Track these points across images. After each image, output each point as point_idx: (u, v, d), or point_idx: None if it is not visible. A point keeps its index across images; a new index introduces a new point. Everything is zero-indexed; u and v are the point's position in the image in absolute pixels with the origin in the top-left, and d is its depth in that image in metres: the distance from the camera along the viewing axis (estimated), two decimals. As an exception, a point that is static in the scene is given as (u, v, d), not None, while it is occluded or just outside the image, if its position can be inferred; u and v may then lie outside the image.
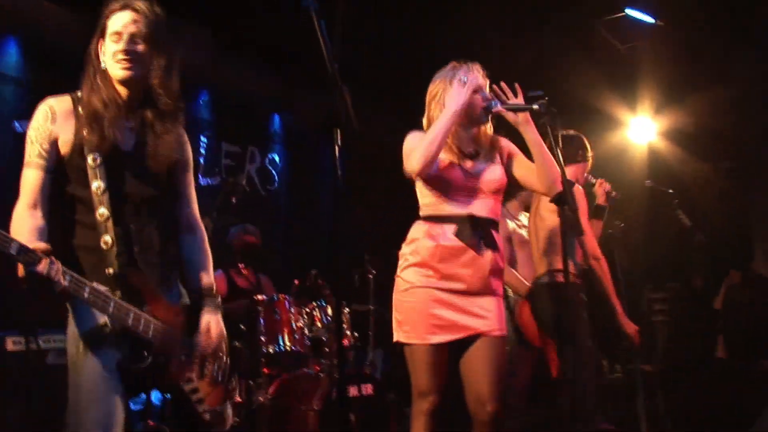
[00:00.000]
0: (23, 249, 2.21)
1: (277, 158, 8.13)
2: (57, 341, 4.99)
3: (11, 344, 4.83)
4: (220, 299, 2.83)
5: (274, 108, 8.09)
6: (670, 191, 6.13)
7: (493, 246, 3.18)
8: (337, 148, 2.12)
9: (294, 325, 5.10)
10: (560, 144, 3.19)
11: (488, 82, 3.30)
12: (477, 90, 3.22)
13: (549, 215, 4.60)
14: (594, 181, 5.30)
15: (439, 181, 3.19)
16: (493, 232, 3.20)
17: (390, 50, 6.88)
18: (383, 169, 3.34)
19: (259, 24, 6.60)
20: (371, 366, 5.70)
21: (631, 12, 6.81)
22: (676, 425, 6.07)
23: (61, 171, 2.54)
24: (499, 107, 3.22)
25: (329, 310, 5.24)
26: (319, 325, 5.22)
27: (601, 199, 5.25)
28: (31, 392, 4.70)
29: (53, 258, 2.26)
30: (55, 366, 4.93)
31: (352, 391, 4.96)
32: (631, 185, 8.15)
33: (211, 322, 2.73)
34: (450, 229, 3.13)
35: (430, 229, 3.18)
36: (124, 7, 2.58)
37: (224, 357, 2.81)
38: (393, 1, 6.27)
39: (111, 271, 2.50)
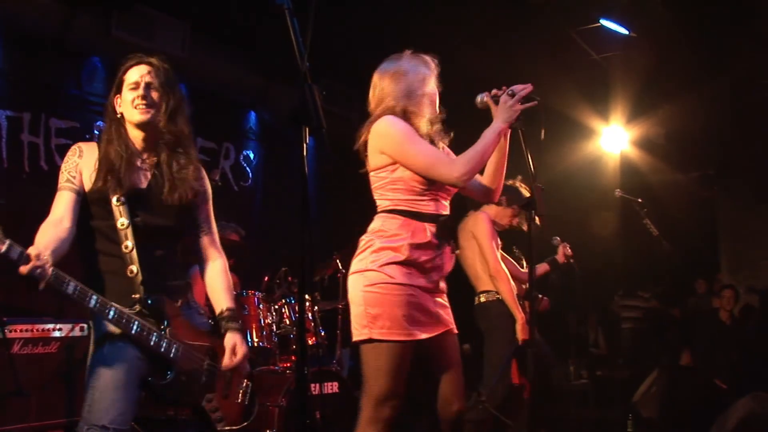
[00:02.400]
0: (21, 253, 2.42)
1: (251, 155, 8.13)
2: (23, 331, 5.00)
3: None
4: (241, 321, 3.07)
5: (250, 104, 8.08)
6: (639, 200, 6.22)
7: (455, 247, 3.24)
8: (304, 146, 2.15)
9: (262, 322, 5.12)
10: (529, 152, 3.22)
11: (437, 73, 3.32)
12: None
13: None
14: (558, 242, 5.69)
15: (420, 178, 3.11)
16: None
17: (365, 47, 6.90)
18: (355, 166, 3.33)
19: (237, 19, 6.60)
20: (338, 364, 5.72)
21: (606, 23, 6.89)
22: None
23: (87, 206, 2.83)
24: (484, 99, 3.24)
25: (298, 308, 5.26)
26: (287, 322, 5.25)
27: (560, 258, 5.65)
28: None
29: (42, 261, 2.45)
30: (19, 355, 4.94)
31: (318, 388, 4.97)
32: (604, 193, 8.27)
33: (237, 342, 2.97)
34: (430, 228, 3.11)
35: (410, 226, 3.09)
36: (138, 62, 2.92)
37: (247, 377, 3.07)
38: (370, 6, 6.30)
39: (137, 296, 2.77)
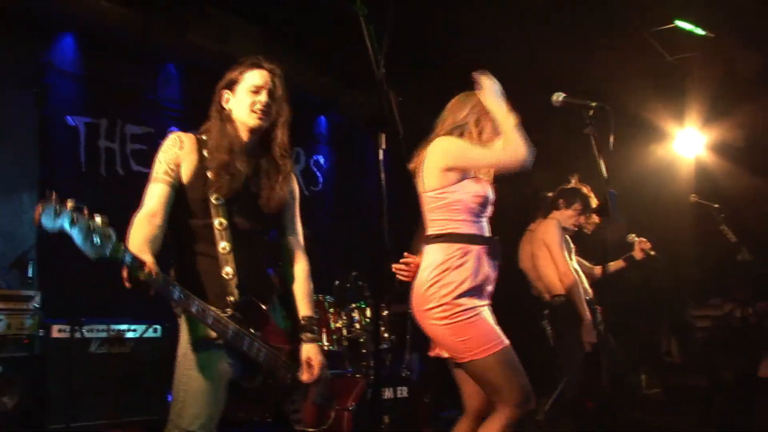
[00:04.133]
0: (133, 258, 2.37)
1: (321, 160, 8.18)
2: (100, 331, 5.14)
3: (57, 332, 4.98)
4: (316, 329, 3.06)
5: (320, 109, 8.14)
6: (716, 206, 6.07)
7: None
8: (381, 151, 2.16)
9: (332, 326, 5.15)
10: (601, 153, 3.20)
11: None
12: None
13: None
14: (633, 239, 5.58)
15: (479, 199, 3.22)
16: None
17: (440, 55, 6.89)
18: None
19: (308, 23, 6.66)
20: (407, 368, 5.71)
21: (681, 23, 6.74)
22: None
23: (183, 201, 2.79)
24: (560, 98, 3.32)
25: (368, 312, 5.28)
26: (357, 326, 5.26)
27: (637, 254, 5.54)
28: (73, 378, 4.83)
29: (155, 267, 2.43)
30: (96, 354, 5.09)
31: (387, 393, 4.98)
32: (678, 199, 8.07)
33: (311, 354, 2.96)
34: (487, 249, 3.19)
35: (471, 252, 3.16)
36: (259, 65, 2.95)
37: (327, 384, 3.07)
38: (447, 11, 6.29)
39: (232, 299, 2.76)
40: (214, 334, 2.67)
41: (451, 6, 6.30)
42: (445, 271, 3.14)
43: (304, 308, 3.03)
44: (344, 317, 5.24)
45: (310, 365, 2.94)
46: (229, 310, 2.73)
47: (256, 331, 2.79)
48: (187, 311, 2.62)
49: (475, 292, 3.15)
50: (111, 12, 5.97)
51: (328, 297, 5.28)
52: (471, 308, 3.10)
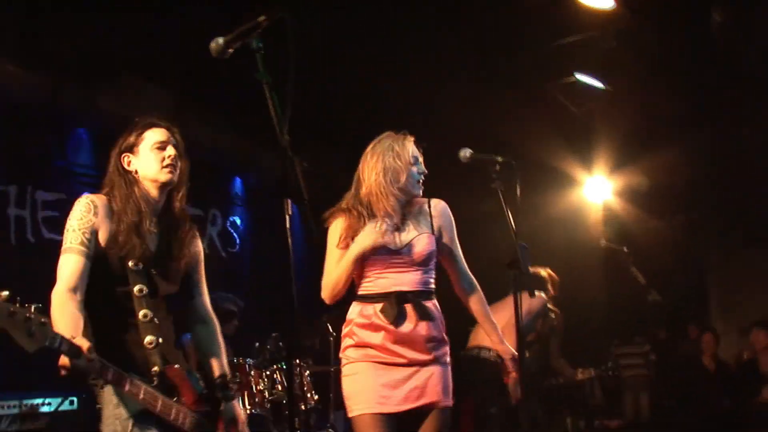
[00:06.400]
0: (69, 344, 2.31)
1: (238, 221, 8.15)
2: (10, 407, 4.93)
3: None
4: (234, 386, 3.04)
5: (235, 170, 8.13)
6: (625, 249, 6.27)
7: (427, 317, 3.20)
8: (287, 217, 2.19)
9: (254, 388, 5.10)
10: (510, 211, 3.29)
11: (421, 152, 3.36)
12: (413, 162, 3.27)
13: None
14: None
15: (368, 264, 3.22)
16: (426, 303, 3.23)
17: (346, 102, 6.99)
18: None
19: (220, 85, 6.68)
20: (332, 427, 5.67)
21: (580, 77, 7.01)
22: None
23: (101, 269, 2.70)
24: (467, 154, 3.36)
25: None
26: (279, 387, 5.22)
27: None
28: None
29: (94, 354, 2.38)
30: (6, 433, 4.88)
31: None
32: (588, 243, 8.31)
33: (235, 412, 2.93)
34: (376, 307, 3.18)
35: (362, 309, 3.22)
36: (155, 125, 2.91)
37: None
38: (351, 57, 6.40)
39: (156, 369, 2.69)
40: (143, 407, 2.60)
41: (359, 68, 6.43)
42: (346, 326, 3.29)
43: (219, 367, 2.98)
44: (266, 379, 5.19)
45: (235, 423, 2.91)
46: (156, 380, 2.67)
47: (179, 398, 2.74)
48: (120, 389, 2.55)
49: (368, 349, 3.21)
50: (19, 76, 5.89)
51: (248, 360, 5.22)
52: (357, 360, 3.20)
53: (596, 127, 8.01)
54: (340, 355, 3.27)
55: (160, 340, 2.72)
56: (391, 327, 3.14)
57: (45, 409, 5.12)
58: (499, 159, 3.40)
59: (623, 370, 9.11)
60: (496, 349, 3.51)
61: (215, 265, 7.45)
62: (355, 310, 3.25)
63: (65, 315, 2.49)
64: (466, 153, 3.40)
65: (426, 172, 3.33)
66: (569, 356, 6.43)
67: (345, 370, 3.22)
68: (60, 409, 5.16)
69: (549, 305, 5.90)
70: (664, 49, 6.57)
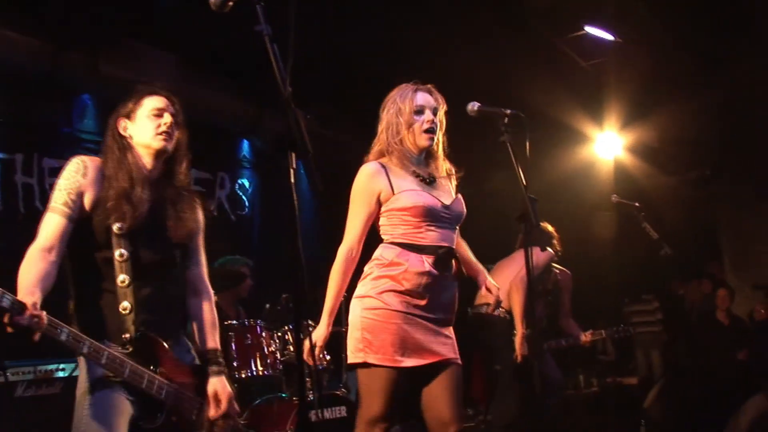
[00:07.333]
0: (13, 302, 2.29)
1: (246, 183, 8.12)
2: (25, 373, 4.96)
3: (-22, 377, 4.79)
4: (223, 360, 2.98)
5: (242, 133, 8.08)
6: (636, 204, 6.21)
7: (456, 278, 3.28)
8: (291, 171, 2.14)
9: (266, 350, 5.09)
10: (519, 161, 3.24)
11: (443, 104, 3.34)
12: (420, 110, 3.25)
13: None
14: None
15: (420, 213, 3.18)
16: (455, 263, 3.27)
17: (352, 62, 6.91)
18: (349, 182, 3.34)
19: (225, 48, 6.61)
20: (345, 388, 5.68)
21: (590, 30, 6.90)
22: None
23: (86, 232, 2.69)
24: (475, 108, 3.32)
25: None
26: (291, 349, 5.21)
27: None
28: (1, 427, 4.66)
29: (39, 311, 2.34)
30: (23, 398, 4.90)
31: (326, 413, 4.94)
32: (599, 200, 8.25)
33: (218, 387, 2.87)
34: (428, 260, 3.15)
35: (407, 257, 3.16)
36: (155, 93, 2.87)
37: (234, 417, 2.96)
38: (356, 14, 6.31)
39: (128, 336, 2.66)
40: (110, 373, 2.57)
41: (363, 21, 6.33)
42: (378, 266, 3.24)
43: (210, 340, 2.96)
44: (277, 341, 5.19)
45: (217, 399, 2.86)
46: (129, 347, 2.64)
47: (156, 368, 2.69)
48: (78, 353, 2.52)
49: (406, 297, 3.18)
50: (20, 43, 5.83)
51: (259, 321, 5.21)
52: (394, 311, 3.16)
53: (607, 81, 7.89)
54: (373, 293, 3.15)
55: (140, 306, 2.69)
56: (440, 282, 3.17)
57: (60, 374, 5.14)
58: (508, 112, 3.35)
59: (634, 327, 9.15)
60: (484, 284, 3.46)
61: (225, 229, 7.45)
62: (404, 257, 3.16)
63: (30, 272, 2.49)
64: (474, 106, 3.38)
65: (436, 120, 3.27)
66: (579, 315, 6.41)
67: (376, 314, 3.12)
68: (74, 374, 5.17)
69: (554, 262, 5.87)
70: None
